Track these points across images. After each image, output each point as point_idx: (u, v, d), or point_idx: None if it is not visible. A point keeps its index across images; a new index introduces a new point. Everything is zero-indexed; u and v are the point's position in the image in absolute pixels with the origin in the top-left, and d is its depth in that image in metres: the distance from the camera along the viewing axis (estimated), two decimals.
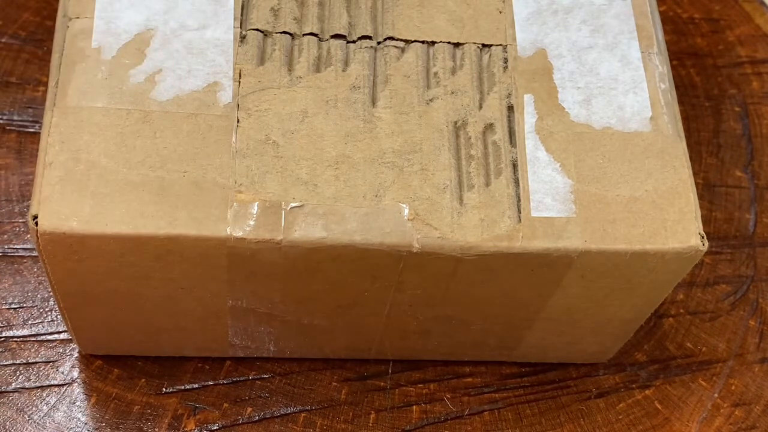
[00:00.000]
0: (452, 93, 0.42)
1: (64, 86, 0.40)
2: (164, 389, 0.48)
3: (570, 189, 0.40)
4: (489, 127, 0.41)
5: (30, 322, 0.49)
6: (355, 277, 0.41)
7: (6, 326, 0.49)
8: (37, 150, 0.48)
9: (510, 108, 0.42)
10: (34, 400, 0.47)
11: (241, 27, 0.42)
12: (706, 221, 0.56)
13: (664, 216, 0.40)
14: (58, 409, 0.47)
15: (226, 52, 0.41)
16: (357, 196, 0.39)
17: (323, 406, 0.48)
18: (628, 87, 0.43)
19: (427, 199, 0.39)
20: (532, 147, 0.41)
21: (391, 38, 0.43)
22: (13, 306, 0.49)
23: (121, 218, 0.37)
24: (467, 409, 0.49)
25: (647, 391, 0.51)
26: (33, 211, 0.37)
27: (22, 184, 0.52)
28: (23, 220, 0.51)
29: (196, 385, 0.48)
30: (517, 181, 0.40)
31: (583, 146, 0.41)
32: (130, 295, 0.42)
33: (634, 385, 0.51)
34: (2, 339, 0.48)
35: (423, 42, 0.43)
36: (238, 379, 0.49)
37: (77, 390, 0.47)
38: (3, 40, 0.57)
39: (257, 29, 0.42)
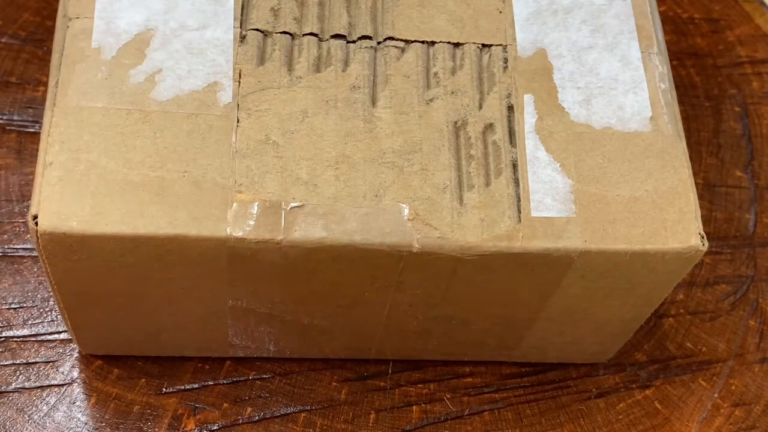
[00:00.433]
0: (452, 93, 0.42)
1: (64, 86, 0.40)
2: (164, 389, 0.48)
3: (570, 189, 0.40)
4: (489, 127, 0.41)
5: (30, 322, 0.49)
6: (355, 277, 0.41)
7: (6, 326, 0.49)
8: (37, 150, 0.48)
9: (510, 108, 0.42)
10: (34, 400, 0.47)
11: (241, 27, 0.42)
12: (706, 221, 0.56)
13: (664, 216, 0.40)
14: (58, 409, 0.47)
15: (226, 52, 0.41)
16: (357, 196, 0.39)
17: (323, 406, 0.48)
18: (628, 87, 0.43)
19: (427, 199, 0.39)
20: (532, 147, 0.41)
21: (391, 38, 0.43)
22: (13, 306, 0.49)
23: (121, 218, 0.37)
24: (467, 409, 0.49)
25: (647, 391, 0.51)
26: (33, 211, 0.37)
27: (22, 184, 0.52)
28: (23, 220, 0.51)
29: (196, 385, 0.48)
30: (517, 181, 0.40)
31: (583, 146, 0.41)
32: (130, 295, 0.42)
33: (634, 385, 0.51)
34: (2, 339, 0.48)
35: (423, 42, 0.43)
36: (238, 379, 0.49)
37: (77, 390, 0.47)
38: (3, 40, 0.57)
39: (257, 29, 0.42)
